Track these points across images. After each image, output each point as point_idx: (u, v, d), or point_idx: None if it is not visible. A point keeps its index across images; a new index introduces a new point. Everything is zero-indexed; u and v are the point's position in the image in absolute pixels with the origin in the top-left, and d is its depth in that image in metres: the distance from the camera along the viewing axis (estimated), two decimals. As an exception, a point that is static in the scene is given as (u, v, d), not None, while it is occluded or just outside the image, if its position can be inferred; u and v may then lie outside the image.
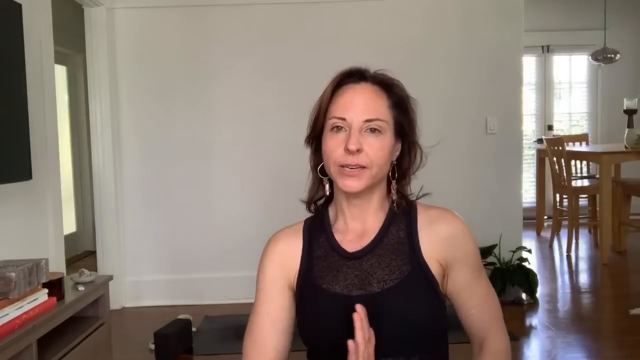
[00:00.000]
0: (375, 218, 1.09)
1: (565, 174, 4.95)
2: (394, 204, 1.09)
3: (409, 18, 3.83)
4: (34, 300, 1.96)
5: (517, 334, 3.10)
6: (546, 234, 5.60)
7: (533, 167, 6.19)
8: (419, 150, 1.10)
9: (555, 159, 5.09)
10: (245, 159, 3.85)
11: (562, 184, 5.06)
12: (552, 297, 3.78)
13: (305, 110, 1.11)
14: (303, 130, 1.11)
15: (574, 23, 6.41)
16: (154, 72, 3.80)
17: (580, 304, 3.74)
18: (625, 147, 4.75)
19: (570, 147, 5.42)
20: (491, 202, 3.88)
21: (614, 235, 4.81)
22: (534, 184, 6.06)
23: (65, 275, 2.39)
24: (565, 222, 5.20)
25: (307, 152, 1.14)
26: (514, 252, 3.69)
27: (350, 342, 0.93)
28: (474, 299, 1.08)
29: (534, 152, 6.30)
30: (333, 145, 1.02)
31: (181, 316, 3.21)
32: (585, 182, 5.41)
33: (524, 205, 4.10)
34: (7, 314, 1.80)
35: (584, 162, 5.82)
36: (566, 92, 6.72)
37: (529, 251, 3.79)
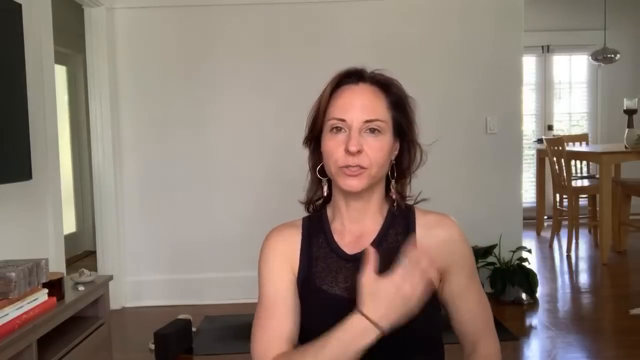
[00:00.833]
0: (374, 220, 1.09)
1: (565, 174, 4.95)
2: (394, 204, 1.09)
3: (409, 18, 3.83)
4: (34, 300, 1.96)
5: (517, 334, 3.10)
6: (546, 234, 5.60)
7: (533, 167, 6.19)
8: (418, 149, 1.10)
9: (555, 159, 5.09)
10: (245, 159, 3.85)
11: (562, 184, 5.06)
12: (552, 297, 3.79)
13: (305, 110, 1.10)
14: (302, 130, 1.11)
15: (574, 23, 6.41)
16: (154, 72, 3.80)
17: (580, 304, 3.74)
18: (625, 147, 4.75)
19: (570, 147, 5.42)
20: (491, 202, 3.88)
21: (614, 235, 4.81)
22: (534, 184, 6.06)
23: (65, 275, 2.40)
24: (565, 222, 5.20)
25: (307, 152, 1.13)
26: (514, 252, 3.69)
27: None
28: (468, 304, 1.08)
29: (534, 152, 6.30)
30: (333, 146, 1.02)
31: (181, 316, 3.21)
32: (585, 182, 5.41)
33: (524, 205, 4.10)
34: (7, 314, 1.80)
35: (584, 162, 5.82)
36: (566, 92, 6.72)
37: (529, 251, 3.79)
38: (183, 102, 3.82)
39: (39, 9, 2.77)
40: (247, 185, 3.86)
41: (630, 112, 5.04)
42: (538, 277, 3.67)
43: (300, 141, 1.12)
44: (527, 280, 3.56)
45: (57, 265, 2.80)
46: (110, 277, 2.63)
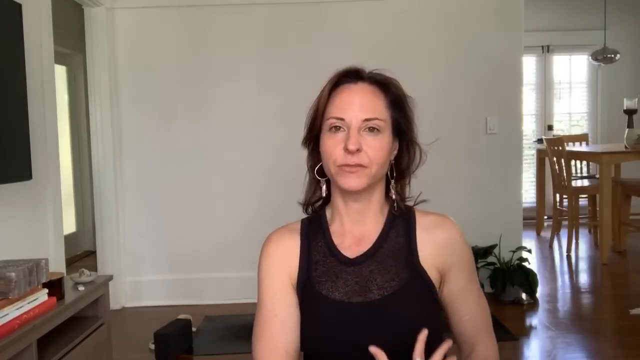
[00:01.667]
0: (375, 221, 1.08)
1: (565, 174, 4.95)
2: (395, 206, 1.08)
3: (409, 18, 3.83)
4: (34, 300, 1.96)
5: (517, 334, 3.10)
6: (546, 234, 5.60)
7: (533, 167, 6.19)
8: (417, 148, 1.09)
9: (555, 159, 5.09)
10: (245, 159, 3.85)
11: (562, 184, 5.06)
12: (552, 297, 3.78)
13: (304, 110, 1.10)
14: (302, 130, 1.11)
15: (574, 23, 6.41)
16: (154, 72, 3.80)
17: (580, 304, 3.74)
18: (625, 147, 4.75)
19: (570, 147, 5.42)
20: (491, 202, 3.88)
21: (614, 235, 4.81)
22: (534, 184, 6.06)
23: (65, 275, 2.39)
24: (565, 222, 5.19)
25: (306, 152, 1.13)
26: (514, 252, 3.69)
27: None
28: (467, 305, 1.08)
29: (534, 152, 6.30)
30: (332, 145, 1.01)
31: (181, 316, 3.21)
32: (585, 182, 5.41)
33: (524, 205, 4.10)
34: (7, 314, 1.80)
35: (584, 162, 5.82)
36: (566, 92, 6.72)
37: (529, 251, 3.79)
38: (183, 102, 3.82)
39: (39, 9, 2.77)
40: (247, 185, 3.86)
41: (630, 112, 5.04)
42: (538, 277, 3.67)
43: (300, 141, 1.12)
44: (527, 280, 3.56)
45: (57, 265, 2.79)
46: (110, 277, 2.63)
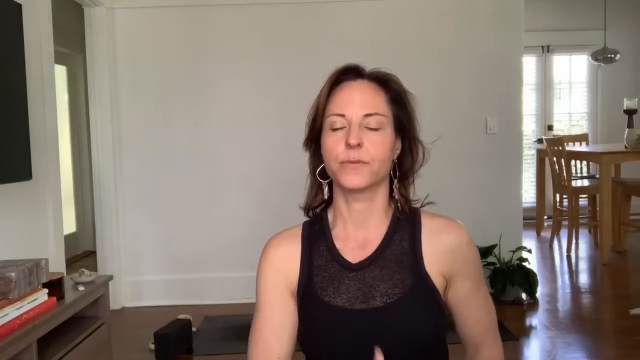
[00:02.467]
0: (379, 224, 1.06)
1: (565, 174, 4.95)
2: (399, 208, 1.06)
3: (408, 18, 3.83)
4: (34, 300, 1.96)
5: (517, 334, 3.10)
6: (546, 234, 5.60)
7: (533, 167, 6.19)
8: (420, 147, 1.07)
9: (555, 159, 5.09)
10: (245, 159, 3.85)
11: (562, 184, 5.06)
12: (552, 297, 3.78)
13: (305, 110, 1.09)
14: (302, 130, 1.10)
15: (574, 23, 6.41)
16: (154, 72, 3.80)
17: (580, 304, 3.74)
18: (625, 147, 4.76)
19: (570, 147, 5.42)
20: (491, 202, 3.88)
21: (614, 235, 4.81)
22: (534, 184, 6.06)
23: (65, 275, 2.39)
24: (565, 222, 5.19)
25: (307, 152, 1.12)
26: (514, 252, 3.69)
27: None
28: (472, 309, 1.07)
29: (534, 152, 6.30)
30: (333, 143, 1.00)
31: (181, 316, 3.21)
32: (585, 182, 5.41)
33: (524, 205, 4.10)
34: (7, 314, 1.80)
35: (584, 162, 5.82)
36: (566, 92, 6.72)
37: (529, 251, 3.79)
38: (183, 102, 3.82)
39: (39, 9, 2.77)
40: (248, 185, 3.85)
41: (630, 112, 5.04)
42: (538, 277, 3.67)
43: (301, 141, 1.10)
44: (527, 280, 3.56)
45: (57, 265, 2.79)
46: (110, 277, 2.63)
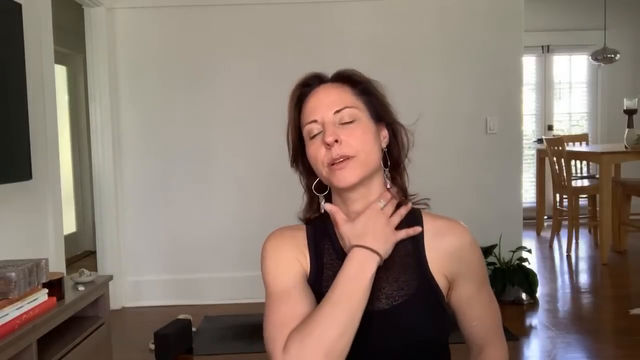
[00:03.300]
0: None
1: (565, 174, 4.95)
2: (395, 194, 1.05)
3: (408, 18, 3.83)
4: (34, 300, 1.96)
5: (517, 334, 3.10)
6: (546, 234, 5.60)
7: (533, 167, 6.19)
8: (402, 130, 1.07)
9: (555, 159, 5.09)
10: (245, 159, 3.85)
11: (562, 184, 5.06)
12: (552, 297, 3.78)
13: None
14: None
15: (574, 23, 6.41)
16: (153, 72, 3.80)
17: (580, 304, 3.74)
18: (625, 147, 4.76)
19: (570, 147, 5.43)
20: (491, 202, 3.88)
21: (614, 235, 4.81)
22: (534, 184, 6.06)
23: (65, 275, 2.39)
24: (565, 222, 5.19)
25: (296, 172, 1.12)
26: (514, 252, 3.69)
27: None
28: (477, 311, 1.07)
29: (534, 152, 6.30)
30: (315, 149, 1.01)
31: (181, 316, 3.21)
32: (585, 182, 5.41)
33: (524, 205, 4.10)
34: (7, 314, 1.79)
35: (584, 162, 5.82)
36: (566, 92, 6.72)
37: (529, 251, 3.79)
38: (183, 102, 3.82)
39: (39, 9, 2.77)
40: (248, 185, 3.86)
41: (630, 112, 5.04)
42: (538, 277, 3.67)
43: None
44: (527, 280, 3.56)
45: (57, 265, 2.80)
46: (110, 277, 2.63)
